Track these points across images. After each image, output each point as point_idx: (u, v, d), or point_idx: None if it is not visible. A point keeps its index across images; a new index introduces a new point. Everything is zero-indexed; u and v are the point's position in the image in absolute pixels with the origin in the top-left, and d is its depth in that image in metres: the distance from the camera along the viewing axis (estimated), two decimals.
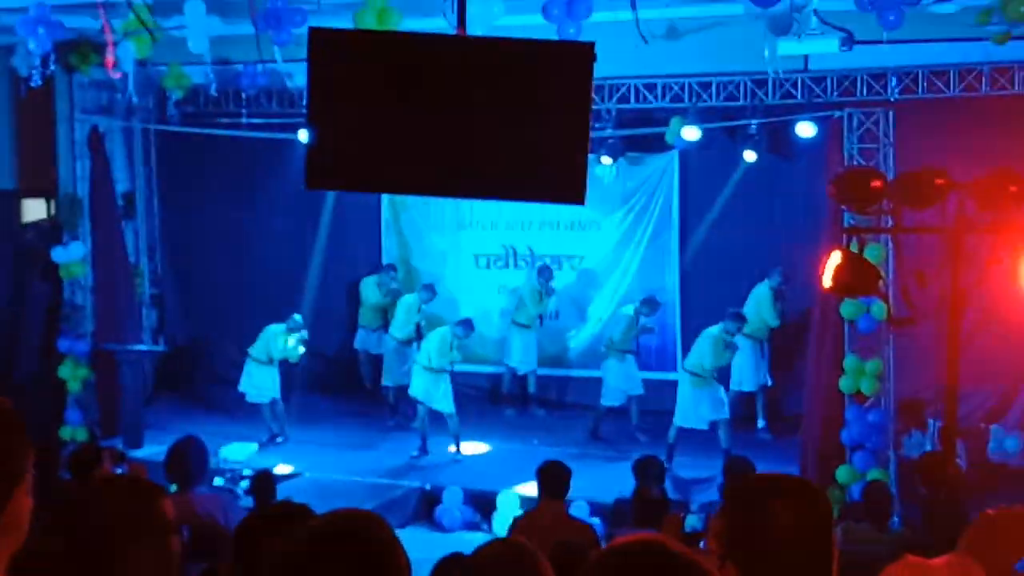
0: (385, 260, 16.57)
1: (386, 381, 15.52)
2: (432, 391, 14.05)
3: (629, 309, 14.51)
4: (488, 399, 16.35)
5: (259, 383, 14.75)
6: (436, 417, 14.15)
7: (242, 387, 14.87)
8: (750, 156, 13.93)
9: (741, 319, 13.56)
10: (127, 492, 2.81)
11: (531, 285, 15.55)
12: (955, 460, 10.37)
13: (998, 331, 12.75)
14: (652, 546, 1.87)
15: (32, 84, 13.20)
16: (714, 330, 13.44)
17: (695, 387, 13.44)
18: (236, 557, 3.07)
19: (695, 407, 13.43)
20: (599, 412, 14.65)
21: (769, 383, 14.46)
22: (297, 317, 14.81)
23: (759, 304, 14.31)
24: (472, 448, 14.37)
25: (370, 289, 16.19)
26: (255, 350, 14.80)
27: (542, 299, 15.41)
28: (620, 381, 14.42)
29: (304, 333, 14.77)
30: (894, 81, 12.85)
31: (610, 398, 14.47)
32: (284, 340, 14.67)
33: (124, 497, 2.80)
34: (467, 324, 14.24)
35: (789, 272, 14.20)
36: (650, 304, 14.27)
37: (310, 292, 16.79)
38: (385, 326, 15.93)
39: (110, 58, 13.08)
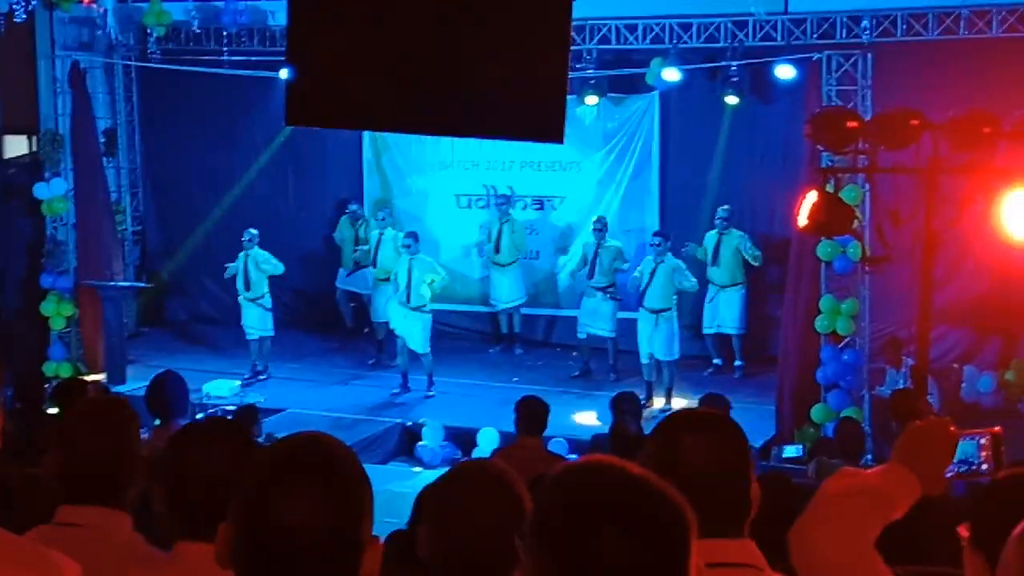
0: (367, 200, 16.58)
1: (374, 317, 15.61)
2: (410, 328, 14.15)
3: (617, 243, 14.54)
4: (469, 338, 16.46)
5: (248, 320, 14.84)
6: (415, 354, 14.26)
7: (243, 323, 14.94)
8: (732, 100, 13.96)
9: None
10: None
11: (490, 217, 15.65)
12: (926, 397, 10.55)
13: (972, 271, 12.91)
14: (608, 464, 1.91)
15: (16, 19, 13.16)
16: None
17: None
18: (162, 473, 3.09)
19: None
20: (583, 348, 14.82)
21: (743, 330, 14.59)
22: (247, 232, 14.81)
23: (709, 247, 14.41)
24: None
25: (346, 228, 16.22)
26: (238, 286, 14.86)
27: (500, 228, 15.43)
28: (589, 318, 14.53)
29: (245, 248, 14.69)
30: (873, 23, 12.90)
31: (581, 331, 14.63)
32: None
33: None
34: (413, 236, 14.30)
35: (737, 206, 14.40)
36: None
37: (292, 231, 16.86)
38: (360, 263, 15.91)
39: None
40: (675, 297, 13.66)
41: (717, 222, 14.33)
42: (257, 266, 14.65)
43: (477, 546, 2.70)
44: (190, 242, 17.19)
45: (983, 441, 2.97)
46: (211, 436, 3.02)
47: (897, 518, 2.52)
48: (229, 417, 10.29)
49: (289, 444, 2.11)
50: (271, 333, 14.93)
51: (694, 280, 13.66)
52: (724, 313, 14.51)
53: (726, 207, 14.35)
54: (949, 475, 2.64)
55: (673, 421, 2.76)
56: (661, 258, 13.57)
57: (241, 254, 14.70)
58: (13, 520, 2.54)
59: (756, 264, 14.30)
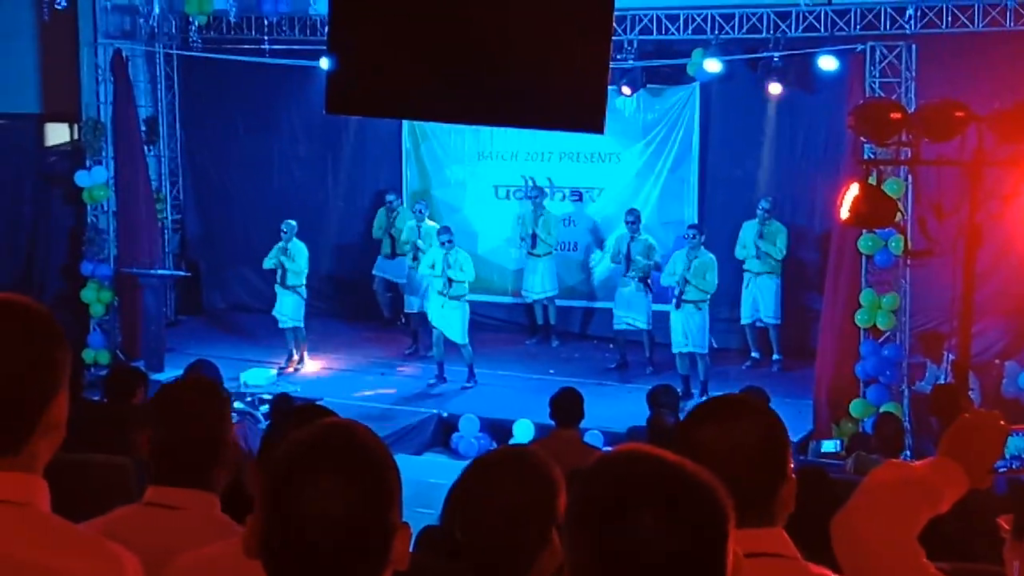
0: (405, 190, 16.61)
1: (408, 308, 15.63)
2: (448, 319, 14.14)
3: (649, 238, 14.51)
4: (506, 329, 16.44)
5: (282, 309, 14.87)
6: (453, 345, 14.26)
7: (274, 312, 14.99)
8: (775, 88, 13.82)
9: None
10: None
11: (524, 209, 15.64)
12: (967, 393, 10.44)
13: (1015, 266, 12.77)
14: (644, 453, 1.91)
15: (58, 6, 13.23)
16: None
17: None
18: (261, 458, 3.17)
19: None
20: (619, 341, 14.79)
21: (780, 320, 14.50)
22: (285, 224, 14.83)
23: (751, 237, 14.35)
24: None
25: (383, 218, 16.24)
26: (277, 274, 14.91)
27: (536, 220, 15.40)
28: (624, 310, 14.50)
29: (284, 242, 14.72)
30: (917, 15, 12.78)
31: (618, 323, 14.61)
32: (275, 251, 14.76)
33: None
34: (447, 229, 14.32)
35: (778, 199, 14.34)
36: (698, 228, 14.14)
37: (331, 221, 16.90)
38: (401, 253, 15.91)
39: None
40: (706, 290, 13.60)
41: (759, 212, 14.25)
42: (292, 259, 14.68)
43: (509, 529, 2.72)
44: (228, 231, 17.27)
45: None
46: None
47: (943, 511, 2.48)
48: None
49: (313, 433, 2.09)
50: (302, 324, 14.95)
51: (713, 281, 13.58)
52: (760, 302, 14.43)
53: (769, 198, 14.28)
54: (1001, 470, 2.60)
55: (697, 410, 2.72)
56: (695, 252, 13.52)
57: (278, 245, 14.72)
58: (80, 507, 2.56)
59: (779, 257, 14.25)
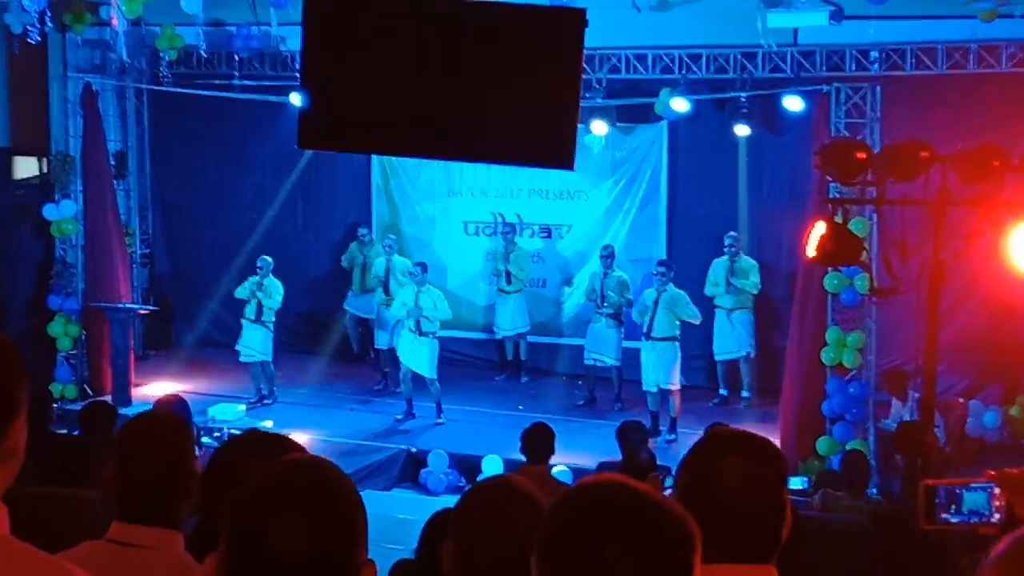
0: (375, 225, 16.64)
1: (378, 344, 15.62)
2: (417, 354, 14.14)
3: (623, 274, 14.58)
4: (475, 365, 16.45)
5: (249, 343, 14.82)
6: (421, 380, 14.25)
7: (237, 346, 14.94)
8: (743, 131, 13.95)
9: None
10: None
11: (496, 245, 15.70)
12: (932, 431, 10.51)
13: (978, 304, 12.91)
14: (613, 482, 1.92)
15: (30, 40, 13.24)
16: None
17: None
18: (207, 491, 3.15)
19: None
20: (588, 377, 14.83)
21: (752, 353, 14.58)
22: (261, 260, 14.83)
23: (721, 274, 14.45)
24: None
25: (356, 252, 16.24)
26: (246, 308, 14.88)
27: (507, 256, 15.47)
28: (594, 346, 14.56)
29: (260, 278, 14.70)
30: (882, 57, 12.95)
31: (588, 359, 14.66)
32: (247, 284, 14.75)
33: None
34: (422, 265, 14.37)
35: (745, 238, 14.51)
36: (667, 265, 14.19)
37: (300, 255, 16.89)
38: (371, 288, 15.92)
39: (115, 18, 13.14)
40: (678, 325, 13.67)
41: (727, 248, 14.36)
42: (268, 295, 14.67)
43: (504, 561, 2.68)
44: (198, 265, 17.23)
45: (996, 491, 2.95)
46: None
47: None
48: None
49: (279, 468, 2.09)
50: (270, 358, 14.91)
51: (695, 310, 13.68)
52: (734, 338, 14.49)
53: (733, 234, 14.40)
54: (956, 522, 2.60)
55: (715, 441, 2.69)
56: (664, 288, 13.61)
57: (253, 279, 14.70)
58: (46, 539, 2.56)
59: (755, 292, 14.35)
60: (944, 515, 3.00)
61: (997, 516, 2.89)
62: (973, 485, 2.88)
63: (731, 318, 14.47)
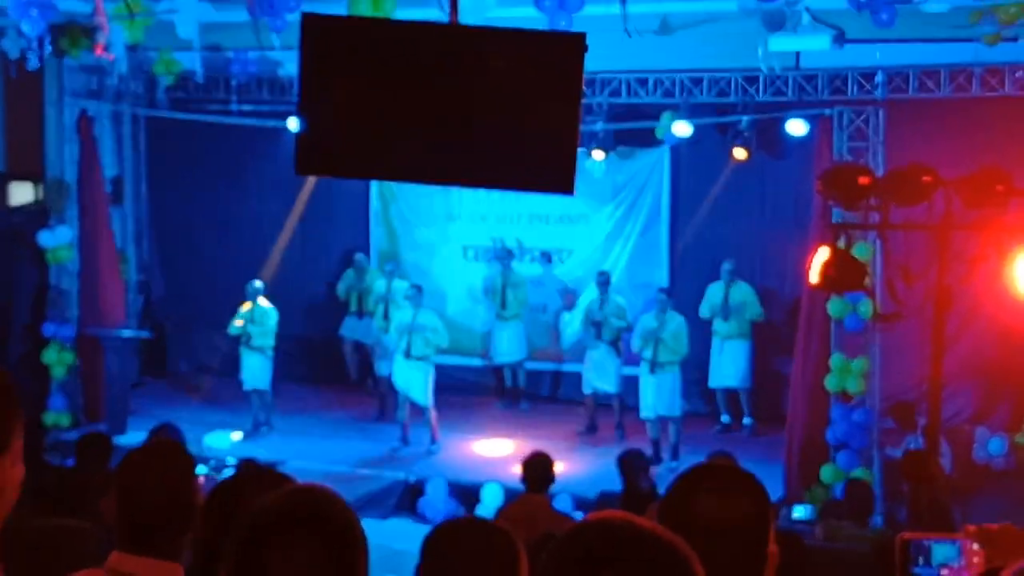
0: (373, 251, 16.54)
1: (378, 371, 15.49)
2: (411, 381, 14.01)
3: (620, 299, 14.48)
4: (474, 391, 16.31)
5: (248, 371, 14.71)
6: (420, 408, 14.11)
7: (240, 375, 14.83)
8: (740, 154, 13.87)
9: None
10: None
11: (493, 271, 15.59)
12: (938, 458, 10.40)
13: (983, 330, 12.79)
14: (616, 519, 1.91)
15: (28, 67, 13.16)
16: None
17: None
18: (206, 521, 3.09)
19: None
20: (588, 404, 14.68)
21: (749, 387, 14.47)
22: (249, 285, 14.73)
23: (718, 300, 14.37)
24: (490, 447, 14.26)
25: (352, 279, 16.15)
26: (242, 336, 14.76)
27: (504, 283, 15.38)
28: (594, 374, 14.43)
29: (248, 311, 14.61)
30: (885, 80, 12.87)
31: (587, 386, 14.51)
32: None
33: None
34: (417, 288, 14.26)
35: (748, 262, 14.45)
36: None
37: (298, 281, 16.78)
38: (370, 313, 15.81)
39: (100, 43, 13.05)
40: (678, 353, 13.54)
41: (724, 275, 14.27)
42: (259, 323, 14.57)
43: None
44: (193, 292, 17.12)
45: (973, 547, 3.02)
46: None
47: None
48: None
49: (280, 499, 2.08)
50: (267, 386, 14.77)
51: (685, 347, 13.53)
52: (730, 366, 14.40)
53: (731, 260, 14.31)
54: None
55: (689, 476, 2.64)
56: (663, 317, 13.50)
57: (242, 313, 14.60)
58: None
59: (757, 318, 14.25)
60: (915, 568, 3.16)
61: (968, 572, 2.96)
62: (944, 540, 2.95)
63: (728, 347, 14.34)
